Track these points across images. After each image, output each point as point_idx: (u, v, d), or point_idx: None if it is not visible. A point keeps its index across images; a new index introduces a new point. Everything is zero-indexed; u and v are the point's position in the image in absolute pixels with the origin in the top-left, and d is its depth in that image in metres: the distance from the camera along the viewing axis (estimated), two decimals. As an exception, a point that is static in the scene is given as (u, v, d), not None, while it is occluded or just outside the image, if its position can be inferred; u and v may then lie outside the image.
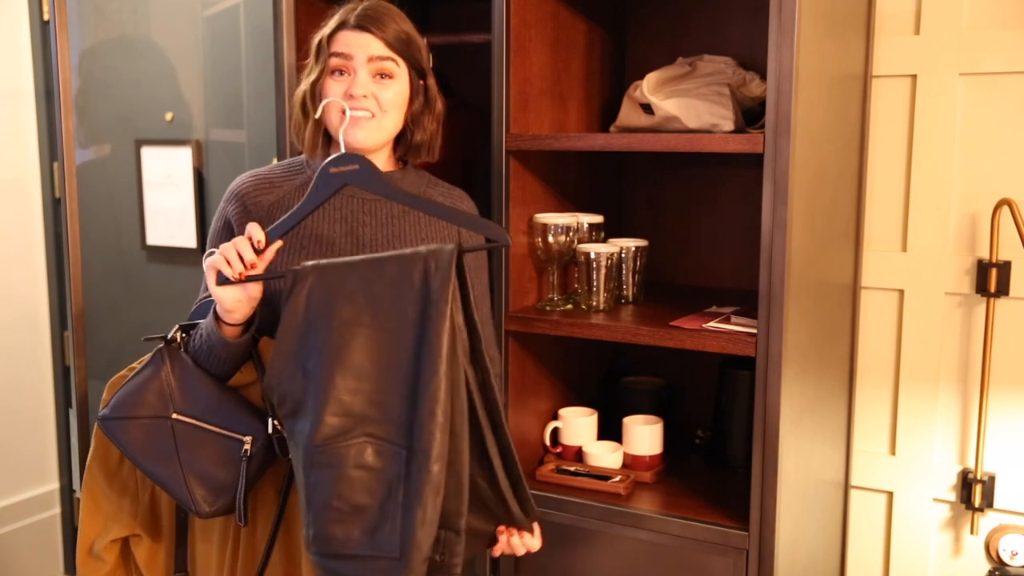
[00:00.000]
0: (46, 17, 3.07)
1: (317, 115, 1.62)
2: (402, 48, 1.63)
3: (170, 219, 3.00)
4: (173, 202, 2.99)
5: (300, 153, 1.74)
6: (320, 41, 1.65)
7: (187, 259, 2.98)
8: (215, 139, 2.92)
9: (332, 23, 1.65)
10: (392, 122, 1.65)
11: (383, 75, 1.62)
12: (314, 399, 1.43)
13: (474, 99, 2.35)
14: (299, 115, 1.67)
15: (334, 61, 1.61)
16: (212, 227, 1.73)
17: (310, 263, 1.47)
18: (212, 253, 1.57)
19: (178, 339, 1.63)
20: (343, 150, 1.57)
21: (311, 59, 1.67)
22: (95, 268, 3.12)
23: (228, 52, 2.87)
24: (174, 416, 1.58)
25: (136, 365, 1.67)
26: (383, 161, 1.70)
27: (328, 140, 1.68)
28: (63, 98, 2.99)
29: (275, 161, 2.26)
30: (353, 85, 1.60)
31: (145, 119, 3.01)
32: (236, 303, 1.51)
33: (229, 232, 1.67)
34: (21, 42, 3.09)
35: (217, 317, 1.54)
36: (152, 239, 3.05)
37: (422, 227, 1.70)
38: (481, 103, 2.10)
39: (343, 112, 1.59)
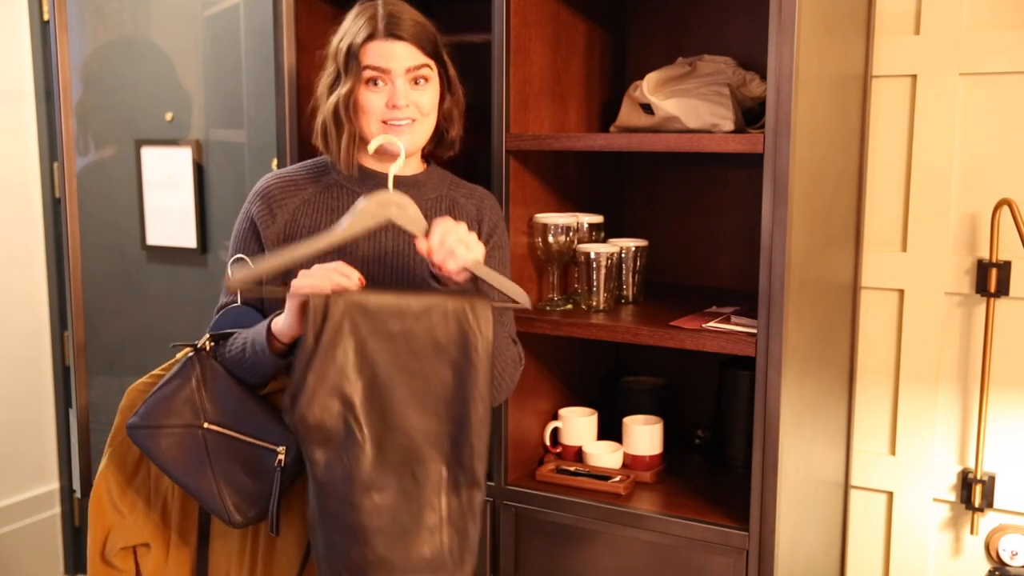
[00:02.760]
0: (46, 17, 3.07)
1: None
2: (431, 48, 1.65)
3: (170, 219, 3.00)
4: (173, 202, 2.99)
5: (318, 155, 1.75)
6: (350, 50, 1.64)
7: (187, 259, 2.98)
8: (215, 139, 2.92)
9: (359, 31, 1.64)
10: (431, 123, 1.69)
11: (419, 79, 1.64)
12: (357, 429, 1.49)
13: (474, 99, 2.35)
14: (331, 126, 1.66)
15: (369, 74, 1.62)
16: (236, 228, 1.73)
17: (351, 294, 1.50)
18: (239, 257, 1.61)
19: (208, 347, 1.63)
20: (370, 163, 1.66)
21: (337, 67, 1.66)
22: (95, 268, 3.12)
23: (228, 52, 2.87)
24: (205, 426, 1.59)
25: (160, 372, 1.67)
26: (413, 164, 1.73)
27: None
28: (63, 98, 2.99)
29: (275, 162, 2.26)
30: (395, 96, 1.62)
31: (145, 119, 3.01)
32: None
33: (254, 232, 1.68)
34: (21, 42, 3.09)
35: (270, 333, 1.54)
36: (152, 239, 3.05)
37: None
38: (481, 103, 2.10)
39: (383, 122, 1.63)
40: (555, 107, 2.13)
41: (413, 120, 1.64)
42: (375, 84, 1.63)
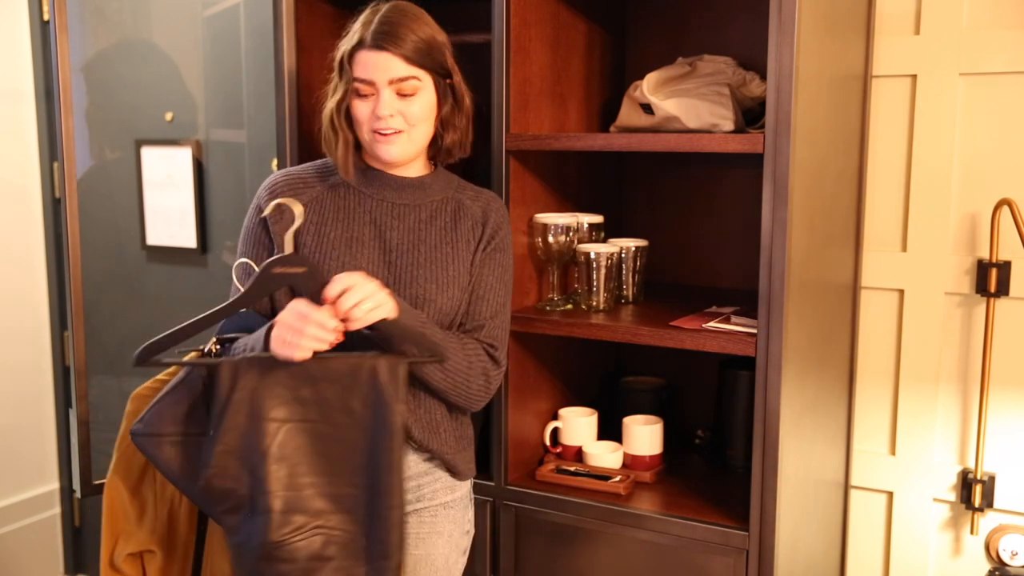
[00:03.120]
0: (46, 17, 3.07)
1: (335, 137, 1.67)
2: (422, 59, 1.63)
3: (170, 219, 3.00)
4: (173, 202, 2.99)
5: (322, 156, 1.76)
6: (342, 60, 1.65)
7: (187, 259, 2.98)
8: (215, 139, 2.92)
9: (351, 39, 1.64)
10: (423, 133, 1.67)
11: (405, 94, 1.63)
12: (263, 496, 1.49)
13: (474, 99, 2.35)
14: (329, 133, 1.68)
15: (356, 84, 1.62)
16: (245, 225, 1.72)
17: (250, 356, 1.51)
18: (244, 262, 1.61)
19: (214, 352, 1.62)
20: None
21: (335, 75, 1.68)
22: (95, 268, 3.11)
23: (228, 52, 2.87)
24: (211, 434, 1.58)
25: (165, 376, 1.67)
26: (419, 166, 1.73)
27: (359, 149, 1.70)
28: (63, 98, 2.99)
29: (275, 162, 2.26)
30: (378, 106, 1.61)
31: (145, 119, 3.01)
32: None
33: (264, 230, 1.68)
34: (21, 42, 3.09)
35: (268, 339, 1.53)
36: (152, 239, 3.04)
37: (447, 233, 1.71)
38: (481, 103, 2.09)
39: (373, 131, 1.63)
40: (555, 107, 2.13)
41: (400, 131, 1.63)
42: (361, 95, 1.63)
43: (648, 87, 2.01)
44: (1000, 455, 2.22)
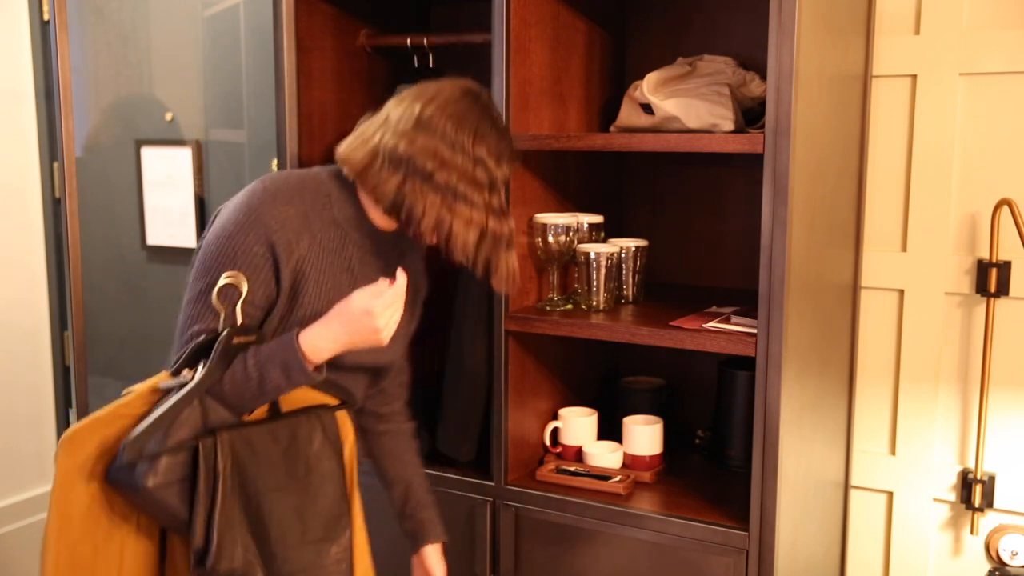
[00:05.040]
0: (46, 17, 3.07)
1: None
2: None
3: (170, 219, 3.00)
4: (173, 202, 2.99)
5: (306, 165, 1.72)
6: (498, 175, 1.59)
7: (187, 259, 2.97)
8: (215, 139, 2.92)
9: (503, 158, 1.60)
10: None
11: None
12: (259, 567, 1.52)
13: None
14: (474, 245, 1.58)
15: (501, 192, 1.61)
16: (241, 248, 1.54)
17: (223, 430, 1.50)
18: (228, 281, 1.49)
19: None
20: None
21: (486, 191, 1.57)
22: (95, 268, 3.12)
23: (228, 52, 2.87)
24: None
25: (107, 414, 1.50)
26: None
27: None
28: (63, 98, 2.99)
29: (274, 163, 2.26)
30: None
31: (145, 119, 3.01)
32: None
33: (271, 261, 1.55)
34: (21, 42, 3.09)
35: (301, 352, 1.50)
36: (152, 239, 3.05)
37: (405, 261, 1.72)
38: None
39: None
40: (555, 107, 2.13)
41: None
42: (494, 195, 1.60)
43: (648, 87, 2.01)
44: (1000, 455, 2.22)
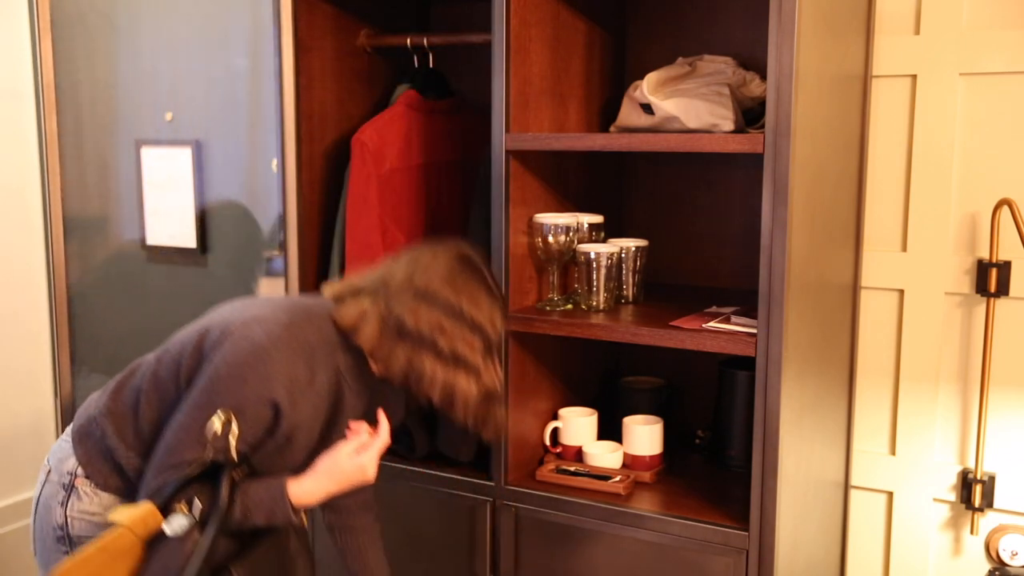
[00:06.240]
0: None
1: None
2: None
3: (170, 219, 3.00)
4: (173, 202, 2.98)
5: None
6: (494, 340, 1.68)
7: (187, 259, 2.98)
8: (215, 139, 2.92)
9: (488, 334, 1.67)
10: None
11: None
12: None
13: (474, 99, 2.35)
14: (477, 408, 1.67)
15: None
16: (249, 401, 1.54)
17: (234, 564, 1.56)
18: (227, 421, 1.50)
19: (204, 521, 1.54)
20: None
21: (481, 358, 1.65)
22: (95, 268, 3.11)
23: (228, 52, 2.86)
24: None
25: (97, 551, 1.47)
26: None
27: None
28: (46, 98, 3.01)
29: (275, 163, 2.26)
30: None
31: (145, 119, 3.01)
32: None
33: (273, 416, 1.58)
34: (21, 42, 3.09)
35: (287, 499, 1.59)
36: (152, 239, 3.04)
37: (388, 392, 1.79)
38: (481, 103, 2.09)
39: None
40: (555, 107, 2.13)
41: None
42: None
43: (648, 87, 2.01)
44: (1000, 455, 2.22)
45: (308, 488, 1.62)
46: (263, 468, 1.63)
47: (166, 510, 1.49)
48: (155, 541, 1.48)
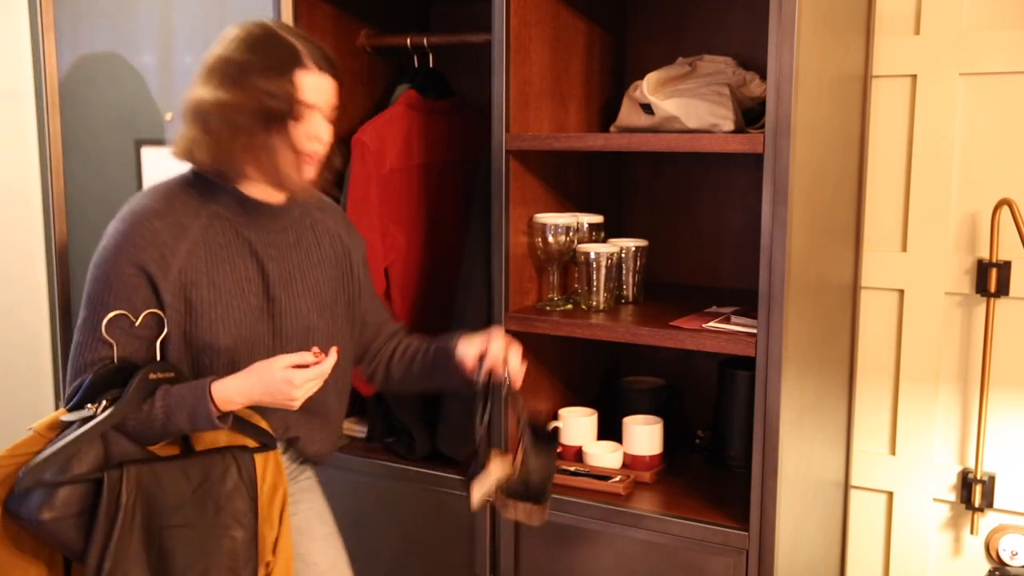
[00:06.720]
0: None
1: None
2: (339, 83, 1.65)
3: (170, 219, 3.00)
4: (173, 202, 2.98)
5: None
6: (276, 81, 1.56)
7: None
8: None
9: (288, 59, 1.56)
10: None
11: (331, 120, 1.63)
12: None
13: (474, 99, 2.35)
14: (248, 152, 1.59)
15: (301, 108, 1.56)
16: (108, 277, 1.54)
17: (132, 464, 1.50)
18: (121, 314, 1.51)
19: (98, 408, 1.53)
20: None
21: (258, 95, 1.56)
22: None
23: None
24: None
25: (9, 454, 1.51)
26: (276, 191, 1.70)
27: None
28: (49, 99, 3.01)
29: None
30: (323, 131, 1.60)
31: (145, 119, 3.01)
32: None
33: (148, 285, 1.55)
34: (21, 42, 3.09)
35: (211, 399, 1.52)
36: (152, 239, 3.05)
37: (312, 253, 1.73)
38: (481, 103, 2.10)
39: (303, 155, 1.60)
40: (555, 107, 2.13)
41: (320, 156, 1.63)
42: (296, 118, 1.57)
43: (648, 87, 2.01)
44: (1000, 455, 2.22)
45: (232, 385, 1.53)
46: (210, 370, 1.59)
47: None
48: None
